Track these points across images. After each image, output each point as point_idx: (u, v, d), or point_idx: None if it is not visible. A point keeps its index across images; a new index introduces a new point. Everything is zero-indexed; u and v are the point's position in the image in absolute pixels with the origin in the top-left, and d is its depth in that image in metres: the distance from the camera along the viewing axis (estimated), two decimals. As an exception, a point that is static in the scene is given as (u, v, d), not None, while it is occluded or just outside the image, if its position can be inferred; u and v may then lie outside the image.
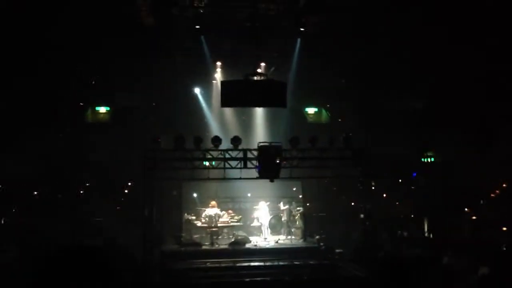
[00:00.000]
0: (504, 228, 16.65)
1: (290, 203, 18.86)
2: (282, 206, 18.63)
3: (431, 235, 19.43)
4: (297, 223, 18.79)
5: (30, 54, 15.02)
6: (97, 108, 19.82)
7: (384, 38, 15.85)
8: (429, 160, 20.48)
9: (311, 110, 21.25)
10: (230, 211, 18.38)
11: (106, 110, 19.82)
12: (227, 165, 16.08)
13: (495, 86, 15.51)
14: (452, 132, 17.98)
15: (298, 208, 18.94)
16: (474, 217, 18.51)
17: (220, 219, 17.65)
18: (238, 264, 15.42)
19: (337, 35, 16.27)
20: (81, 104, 19.51)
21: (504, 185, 18.29)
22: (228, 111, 19.74)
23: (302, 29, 16.44)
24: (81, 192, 19.39)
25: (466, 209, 18.79)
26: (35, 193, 18.34)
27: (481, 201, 18.76)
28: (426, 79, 17.08)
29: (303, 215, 18.54)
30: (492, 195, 18.61)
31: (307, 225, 18.58)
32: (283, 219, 18.54)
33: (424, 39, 15.42)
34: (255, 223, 18.74)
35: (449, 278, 11.26)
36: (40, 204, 17.66)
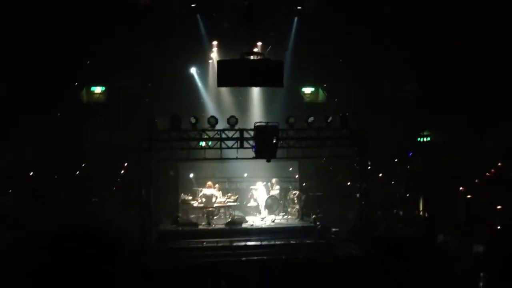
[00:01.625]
0: (499, 207, 16.78)
1: (282, 183, 19.01)
2: (273, 185, 18.72)
3: (426, 214, 19.58)
4: (295, 202, 18.91)
5: (25, 36, 14.84)
6: (92, 89, 19.69)
7: (382, 18, 15.73)
8: (425, 139, 20.54)
9: (308, 90, 21.21)
10: (214, 185, 18.19)
11: (102, 90, 19.70)
12: (223, 145, 16.04)
13: (492, 68, 15.47)
14: (449, 112, 17.99)
15: (294, 192, 18.98)
16: (469, 196, 18.63)
17: (217, 199, 17.72)
18: (234, 244, 15.51)
19: (334, 14, 16.14)
20: (76, 84, 19.36)
21: (499, 164, 18.38)
22: (225, 91, 19.64)
23: (299, 8, 16.30)
24: (77, 173, 19.35)
25: (461, 188, 18.91)
26: (31, 173, 18.29)
27: (476, 180, 18.86)
28: (424, 60, 17.01)
29: (300, 198, 18.59)
30: (487, 174, 18.71)
31: (304, 205, 18.67)
32: (278, 197, 18.65)
33: (421, 20, 15.33)
34: (252, 203, 18.82)
35: (444, 257, 11.38)
36: (36, 186, 17.64)
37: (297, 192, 18.96)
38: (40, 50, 15.42)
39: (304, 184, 20.22)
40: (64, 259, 1.62)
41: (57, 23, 15.03)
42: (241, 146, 15.92)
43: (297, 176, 20.53)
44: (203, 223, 17.24)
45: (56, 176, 18.66)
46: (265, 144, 15.38)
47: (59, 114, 18.81)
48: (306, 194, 19.15)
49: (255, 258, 13.97)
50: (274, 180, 18.95)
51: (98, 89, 19.65)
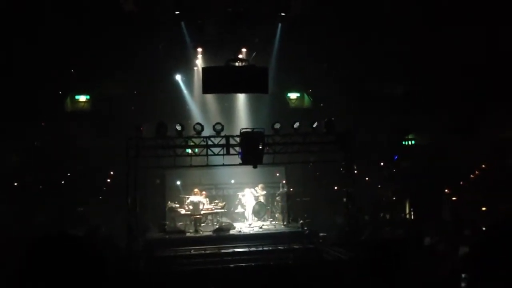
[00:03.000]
0: (484, 208, 16.95)
1: (269, 188, 19.03)
2: (259, 191, 18.71)
3: (412, 217, 19.71)
4: (279, 205, 18.94)
5: (8, 44, 14.72)
6: (76, 97, 19.59)
7: (366, 23, 15.85)
8: (410, 143, 20.71)
9: (293, 95, 21.30)
10: (201, 192, 18.13)
11: (86, 99, 19.61)
12: (209, 152, 16.03)
13: (476, 70, 15.66)
14: (433, 115, 18.17)
15: (284, 189, 18.89)
16: (454, 198, 18.80)
17: (204, 206, 17.66)
18: (222, 251, 15.46)
19: (318, 19, 16.23)
20: (60, 93, 19.23)
21: (483, 166, 18.59)
22: (210, 98, 19.63)
23: (283, 14, 16.37)
24: (63, 182, 19.19)
25: (446, 191, 19.07)
26: (16, 182, 18.09)
27: (461, 182, 19.04)
28: (409, 63, 17.17)
29: (286, 195, 18.49)
30: (472, 176, 18.91)
31: (291, 210, 18.67)
32: (264, 203, 18.63)
33: (406, 25, 15.47)
34: (239, 209, 18.79)
35: (431, 259, 11.45)
36: (22, 193, 17.46)
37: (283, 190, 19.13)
38: (24, 58, 15.29)
39: (291, 189, 20.25)
40: (45, 267, 1.59)
41: (41, 30, 14.92)
42: (227, 153, 15.91)
43: (284, 182, 20.54)
44: (191, 231, 17.16)
45: (41, 186, 18.49)
46: (251, 150, 15.39)
47: (43, 124, 18.66)
48: (293, 199, 19.18)
49: (243, 264, 13.93)
50: (260, 186, 18.95)
51: (82, 98, 19.56)
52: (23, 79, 15.91)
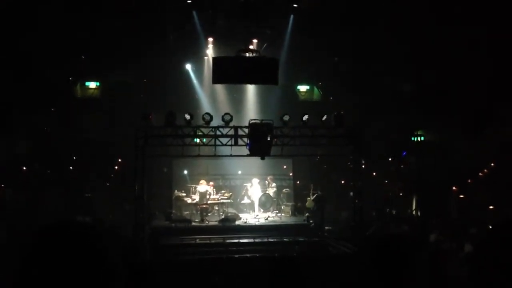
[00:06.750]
0: (491, 207, 16.85)
1: (276, 180, 19.07)
2: (270, 183, 18.73)
3: (419, 214, 19.65)
4: (285, 197, 19.00)
5: (18, 30, 14.76)
6: (87, 84, 19.63)
7: (378, 17, 15.73)
8: (419, 139, 20.59)
9: (303, 88, 21.24)
10: (209, 182, 18.25)
11: (96, 86, 19.64)
12: (218, 142, 16.03)
13: (487, 68, 15.51)
14: (443, 112, 18.04)
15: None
16: (461, 196, 18.71)
17: (211, 196, 17.72)
18: (228, 241, 15.52)
19: (331, 12, 16.13)
20: (70, 79, 19.29)
21: (492, 164, 18.45)
22: (220, 88, 19.63)
23: (295, 6, 16.28)
24: (71, 168, 19.28)
25: (454, 188, 18.98)
26: (24, 168, 18.21)
27: (469, 180, 18.93)
28: (420, 59, 17.03)
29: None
30: (480, 174, 18.78)
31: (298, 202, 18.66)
32: (272, 195, 18.64)
33: (418, 20, 15.34)
34: (245, 200, 18.82)
35: (436, 256, 11.42)
36: (29, 181, 17.58)
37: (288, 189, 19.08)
38: (34, 44, 15.33)
39: (298, 182, 20.25)
40: (49, 256, 1.59)
41: (52, 17, 14.94)
42: (236, 144, 15.89)
43: (291, 174, 20.55)
44: (197, 220, 17.24)
45: (49, 171, 18.60)
46: (259, 141, 15.36)
47: (53, 109, 18.74)
48: (300, 193, 19.19)
49: (248, 255, 13.98)
50: (269, 178, 18.95)
51: (92, 84, 19.60)
52: (34, 66, 15.95)
